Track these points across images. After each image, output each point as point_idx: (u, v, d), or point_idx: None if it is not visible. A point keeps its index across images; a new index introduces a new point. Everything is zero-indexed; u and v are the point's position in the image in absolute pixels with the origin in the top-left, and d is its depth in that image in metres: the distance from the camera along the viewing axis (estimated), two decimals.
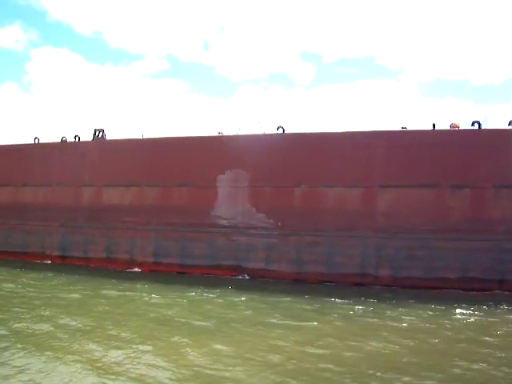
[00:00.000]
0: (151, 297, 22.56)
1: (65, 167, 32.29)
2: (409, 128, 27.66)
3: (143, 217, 30.10)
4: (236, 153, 28.58)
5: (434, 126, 26.50)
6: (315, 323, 18.18)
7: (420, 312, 20.08)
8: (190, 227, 29.03)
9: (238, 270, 28.11)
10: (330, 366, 13.14)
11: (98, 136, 31.30)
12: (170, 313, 19.67)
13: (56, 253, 32.21)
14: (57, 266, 31.45)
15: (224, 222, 28.80)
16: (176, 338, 15.79)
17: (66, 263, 31.84)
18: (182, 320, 18.44)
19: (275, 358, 13.82)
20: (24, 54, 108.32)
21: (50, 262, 32.30)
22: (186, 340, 15.54)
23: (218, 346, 14.82)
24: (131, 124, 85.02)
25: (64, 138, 33.40)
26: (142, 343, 15.12)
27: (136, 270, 30.17)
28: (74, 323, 17.49)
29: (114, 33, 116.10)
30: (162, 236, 29.60)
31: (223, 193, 28.85)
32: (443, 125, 27.25)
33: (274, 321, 18.48)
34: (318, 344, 15.33)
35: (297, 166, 27.67)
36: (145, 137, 31.71)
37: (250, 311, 20.23)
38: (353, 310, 20.50)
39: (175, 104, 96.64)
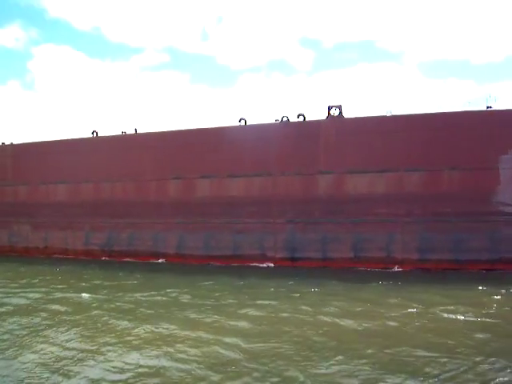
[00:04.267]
0: None
1: (288, 152, 29.05)
2: None
3: (402, 207, 27.36)
4: None
5: None
6: None
7: None
8: (464, 216, 26.51)
9: None
10: None
11: (334, 114, 28.23)
12: None
13: (281, 254, 29.23)
14: (282, 269, 28.20)
15: (510, 209, 26.31)
16: None
17: (296, 266, 28.35)
18: None
19: None
20: (25, 51, 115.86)
21: (272, 264, 28.83)
22: None
23: None
24: (134, 117, 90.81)
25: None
26: None
27: (395, 269, 27.17)
28: None
29: (113, 27, 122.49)
30: (430, 228, 27.08)
31: (507, 175, 26.40)
32: None
33: None
34: None
35: None
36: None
37: None
38: None
39: (177, 95, 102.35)
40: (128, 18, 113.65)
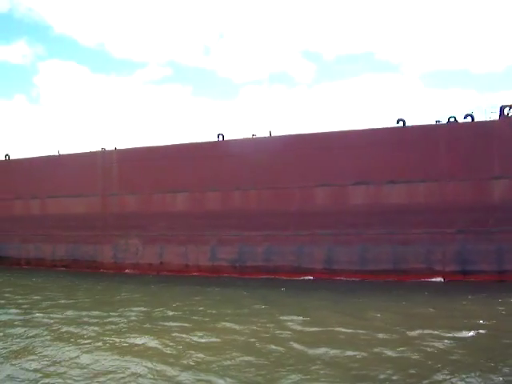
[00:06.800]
0: None
1: (457, 155, 27.73)
2: None
3: None
4: None
5: None
6: None
7: None
8: None
9: None
10: None
11: (508, 114, 27.01)
12: None
13: (451, 267, 27.66)
14: (453, 285, 26.43)
15: None
16: None
17: (468, 280, 26.76)
18: None
19: None
20: (31, 67, 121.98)
21: (440, 279, 27.32)
22: None
23: None
24: (139, 130, 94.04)
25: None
26: None
27: None
28: None
29: (117, 43, 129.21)
30: None
31: None
32: None
33: None
34: None
35: None
36: None
37: None
38: None
39: (180, 108, 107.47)
40: (131, 34, 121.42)
